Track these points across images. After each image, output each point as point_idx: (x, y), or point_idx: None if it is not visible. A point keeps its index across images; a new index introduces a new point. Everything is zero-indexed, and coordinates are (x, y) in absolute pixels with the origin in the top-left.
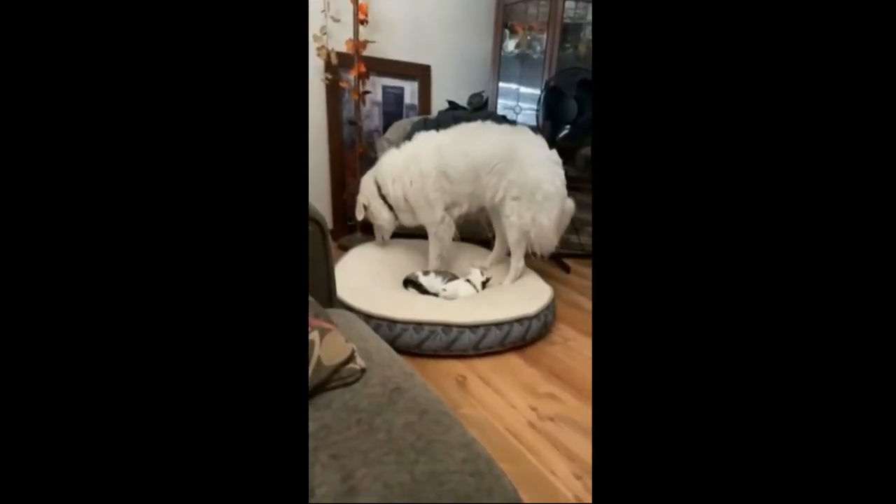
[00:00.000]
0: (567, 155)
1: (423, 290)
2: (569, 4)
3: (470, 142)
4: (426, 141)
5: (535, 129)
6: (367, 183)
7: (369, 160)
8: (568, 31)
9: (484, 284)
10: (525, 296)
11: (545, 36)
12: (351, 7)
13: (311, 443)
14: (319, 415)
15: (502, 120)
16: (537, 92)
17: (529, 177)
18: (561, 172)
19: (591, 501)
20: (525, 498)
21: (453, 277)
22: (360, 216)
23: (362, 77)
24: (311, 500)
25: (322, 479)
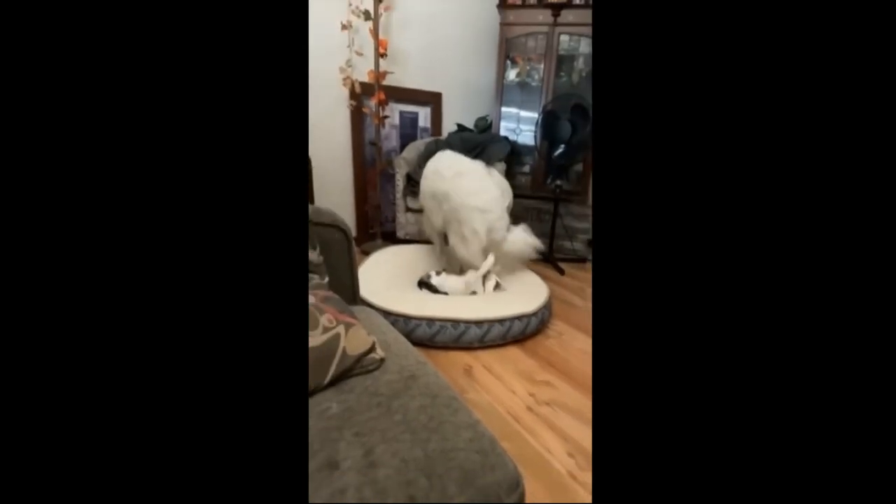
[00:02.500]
0: (562, 170)
1: (434, 289)
2: (563, 38)
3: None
4: None
5: (534, 149)
6: None
7: (388, 176)
8: (563, 62)
9: (496, 287)
10: (525, 296)
11: (542, 66)
12: (372, 42)
13: (337, 422)
14: (344, 398)
15: (503, 140)
16: (535, 115)
17: (460, 215)
18: (496, 212)
19: (583, 478)
20: (524, 473)
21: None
22: None
23: (382, 104)
24: (336, 472)
25: (346, 454)
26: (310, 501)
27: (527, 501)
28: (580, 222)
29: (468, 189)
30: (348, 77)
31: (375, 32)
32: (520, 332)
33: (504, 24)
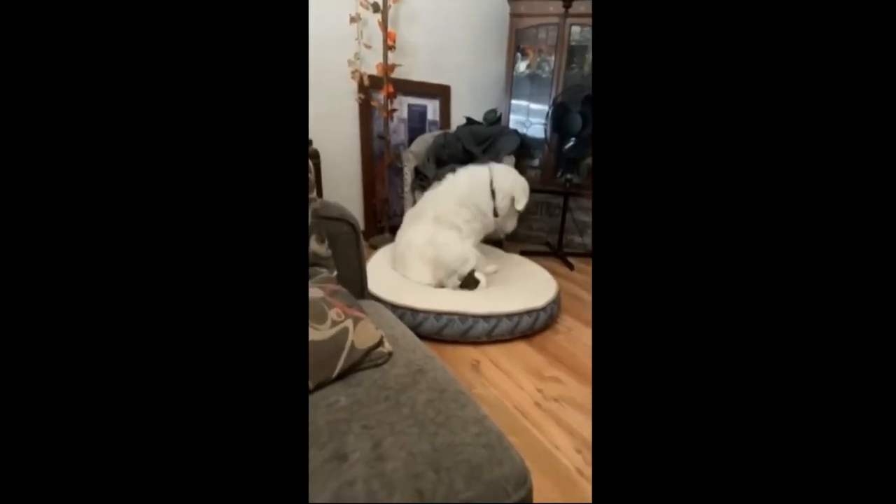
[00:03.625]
0: (572, 164)
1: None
2: (575, 29)
3: None
4: None
5: (544, 142)
6: None
7: (397, 170)
8: (574, 53)
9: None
10: (534, 290)
11: (553, 57)
12: (381, 35)
13: (345, 415)
14: (352, 391)
15: (512, 133)
16: (546, 108)
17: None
18: (434, 234)
19: (590, 474)
20: (531, 469)
21: None
22: None
23: (390, 97)
24: (345, 464)
25: (355, 446)
26: (319, 491)
27: (534, 497)
28: (590, 217)
29: (419, 213)
30: (357, 70)
31: (384, 25)
32: (528, 328)
33: (514, 16)
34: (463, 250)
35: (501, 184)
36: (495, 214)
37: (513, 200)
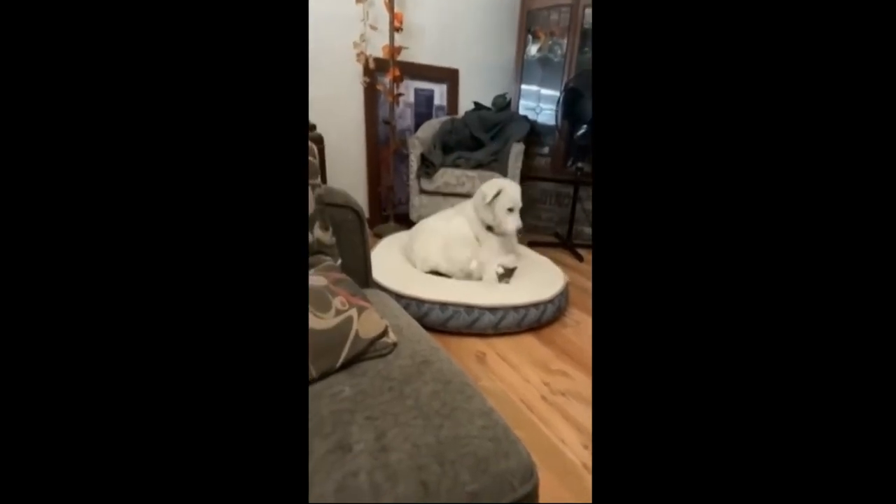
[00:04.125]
0: (583, 152)
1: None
2: (589, 11)
3: None
4: None
5: (554, 129)
6: None
7: (402, 156)
8: (588, 36)
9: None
10: (541, 282)
11: (566, 40)
12: (387, 16)
13: (349, 405)
14: (356, 381)
15: (522, 119)
16: (557, 93)
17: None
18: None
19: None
20: (537, 462)
21: None
22: None
23: (396, 80)
24: (349, 455)
25: (359, 437)
26: (323, 481)
27: (539, 492)
28: None
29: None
30: (362, 52)
31: (391, 5)
32: (535, 320)
33: None
34: (469, 232)
35: (477, 198)
36: (489, 228)
37: (483, 197)
